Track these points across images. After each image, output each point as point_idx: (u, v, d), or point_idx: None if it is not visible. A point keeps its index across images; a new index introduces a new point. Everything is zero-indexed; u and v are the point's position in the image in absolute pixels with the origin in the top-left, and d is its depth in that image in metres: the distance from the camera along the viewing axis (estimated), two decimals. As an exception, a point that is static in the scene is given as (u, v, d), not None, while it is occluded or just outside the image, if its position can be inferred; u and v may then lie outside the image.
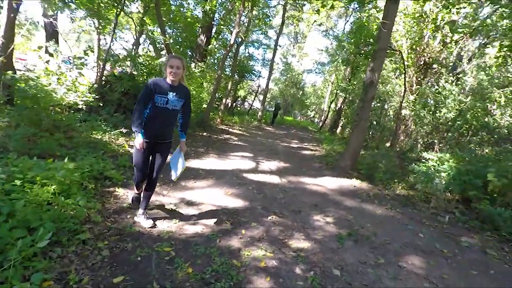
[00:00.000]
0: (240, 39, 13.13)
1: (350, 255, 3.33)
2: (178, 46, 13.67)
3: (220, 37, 17.44)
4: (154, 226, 3.13)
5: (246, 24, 13.82)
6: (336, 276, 2.84)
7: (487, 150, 10.75)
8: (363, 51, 12.44)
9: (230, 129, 12.32)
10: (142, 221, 3.13)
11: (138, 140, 2.80)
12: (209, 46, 13.54)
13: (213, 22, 14.95)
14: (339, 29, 26.99)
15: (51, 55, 5.41)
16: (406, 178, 6.84)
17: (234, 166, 6.33)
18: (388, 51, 12.37)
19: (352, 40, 13.26)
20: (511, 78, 12.23)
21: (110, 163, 4.49)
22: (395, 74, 16.21)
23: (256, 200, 4.54)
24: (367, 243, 3.72)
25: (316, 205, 4.80)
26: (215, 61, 15.85)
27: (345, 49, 18.78)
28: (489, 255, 4.00)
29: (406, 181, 6.67)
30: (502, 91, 11.62)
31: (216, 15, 15.87)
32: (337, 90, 22.18)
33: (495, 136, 11.08)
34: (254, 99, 25.92)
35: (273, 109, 23.96)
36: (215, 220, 3.57)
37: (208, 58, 15.37)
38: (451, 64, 14.31)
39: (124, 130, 5.93)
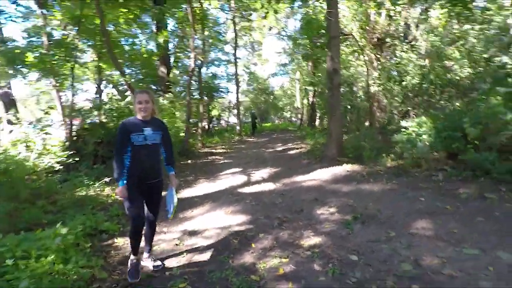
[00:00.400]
0: (199, 62, 13.21)
1: (361, 237, 3.34)
2: (140, 83, 13.59)
3: (179, 64, 17.54)
4: (163, 266, 3.03)
5: (201, 45, 13.94)
6: (354, 262, 2.84)
7: (457, 104, 11.21)
8: (318, 43, 12.79)
9: (213, 150, 12.26)
10: (149, 264, 3.03)
11: (119, 189, 2.68)
12: (171, 76, 13.55)
13: (169, 52, 15.03)
14: (291, 28, 27.73)
15: (13, 123, 5.23)
16: (392, 150, 7.00)
17: (227, 184, 6.28)
18: (341, 37, 12.84)
19: (305, 36, 13.63)
20: (457, 33, 12.91)
21: (102, 216, 4.34)
22: (354, 57, 16.76)
23: (257, 211, 4.50)
24: (373, 221, 3.75)
25: (316, 199, 4.82)
26: (181, 88, 15.85)
27: (301, 46, 19.35)
28: (489, 199, 4.13)
29: (393, 153, 6.82)
30: (454, 47, 12.23)
31: (171, 45, 16.01)
32: (305, 86, 22.65)
33: (461, 88, 11.60)
34: (229, 115, 25.98)
35: (250, 120, 24.14)
36: (222, 242, 3.51)
37: (173, 87, 15.37)
38: (402, 34, 14.93)
39: (107, 179, 5.78)
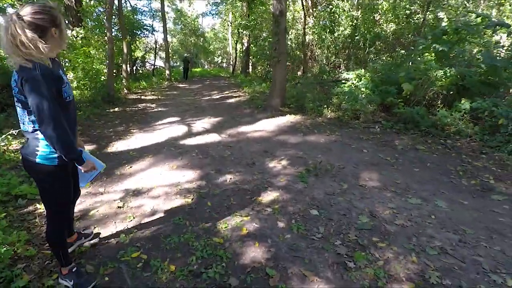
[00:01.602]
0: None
1: (318, 190, 3.38)
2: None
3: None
4: (97, 234, 2.59)
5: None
6: (315, 216, 2.86)
7: (383, 58, 11.99)
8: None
9: (142, 97, 11.06)
10: (80, 241, 2.48)
11: (87, 163, 1.80)
12: (83, 5, 11.19)
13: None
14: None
15: None
16: (331, 101, 7.22)
17: (166, 135, 5.72)
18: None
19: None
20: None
21: (14, 177, 3.52)
22: (290, 1, 16.23)
23: (206, 165, 4.20)
24: (326, 174, 3.83)
25: (266, 151, 4.72)
26: (96, 23, 13.35)
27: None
28: (420, 150, 4.59)
29: (332, 104, 7.04)
30: (383, 0, 12.66)
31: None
32: (238, 29, 21.48)
33: (388, 43, 12.36)
34: (155, 57, 23.52)
35: (181, 64, 22.34)
36: (173, 202, 3.18)
37: (86, 20, 12.86)
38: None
39: (14, 131, 4.66)
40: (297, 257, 2.31)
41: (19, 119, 1.73)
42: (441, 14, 8.32)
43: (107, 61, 9.46)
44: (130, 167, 4.21)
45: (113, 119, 7.08)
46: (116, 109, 8.19)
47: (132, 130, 6.17)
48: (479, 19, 6.02)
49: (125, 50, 11.16)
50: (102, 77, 9.74)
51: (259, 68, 19.47)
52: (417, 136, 5.16)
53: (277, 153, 4.61)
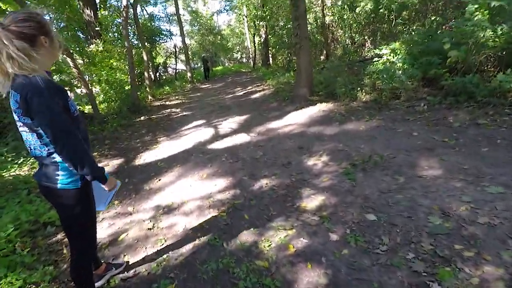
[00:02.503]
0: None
1: (370, 188, 2.87)
2: (65, 33, 11.13)
3: (108, 4, 14.69)
4: (127, 263, 2.30)
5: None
6: (374, 222, 2.37)
7: (414, 28, 10.90)
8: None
9: (167, 102, 10.94)
10: (109, 274, 2.20)
11: (112, 181, 1.60)
12: (99, 18, 11.23)
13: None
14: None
15: None
16: (363, 83, 6.53)
17: (193, 141, 5.43)
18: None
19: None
20: None
21: (43, 203, 3.35)
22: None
23: (237, 170, 3.82)
24: (375, 167, 3.30)
25: (301, 147, 4.25)
26: (115, 34, 13.44)
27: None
28: (482, 125, 3.88)
29: (366, 86, 6.36)
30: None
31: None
32: (254, 21, 20.86)
33: (415, 11, 11.22)
34: (176, 61, 23.59)
35: (202, 65, 22.26)
36: (207, 217, 2.82)
37: (105, 33, 12.99)
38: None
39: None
40: (362, 280, 1.86)
41: (27, 145, 1.47)
42: None
43: (129, 71, 9.38)
44: (159, 180, 3.93)
45: (139, 129, 6.94)
46: (142, 117, 8.07)
47: (159, 139, 5.95)
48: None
49: (145, 58, 11.07)
50: (126, 87, 9.71)
51: (279, 58, 18.78)
52: (474, 109, 4.40)
53: (314, 148, 4.12)
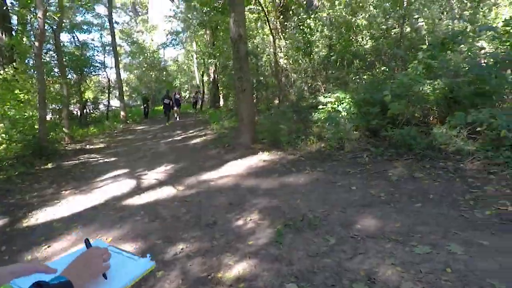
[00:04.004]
0: (54, 22, 10.92)
1: (297, 253, 2.90)
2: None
3: (29, 28, 14.41)
4: None
5: (54, 2, 11.56)
6: (294, 293, 2.36)
7: (365, 77, 12.18)
8: (217, 4, 12.07)
9: (88, 146, 10.47)
10: None
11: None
12: (11, 41, 10.87)
13: (8, 9, 12.07)
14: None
15: None
16: (311, 130, 6.96)
17: (107, 195, 5.15)
18: (244, -1, 12.41)
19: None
20: (360, 4, 14.00)
21: None
22: (258, 25, 16.67)
23: (152, 232, 3.66)
24: (307, 226, 3.38)
25: (232, 203, 4.25)
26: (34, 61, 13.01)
27: (196, 10, 18.24)
28: (418, 179, 4.28)
29: (313, 134, 6.77)
30: (358, 18, 13.19)
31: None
32: (204, 59, 21.73)
33: (366, 61, 12.66)
34: (109, 97, 23.16)
35: (142, 103, 22.30)
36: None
37: (20, 59, 12.52)
38: (305, 2, 15.42)
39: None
40: None
41: None
42: (421, 22, 8.53)
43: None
44: (48, 246, 3.59)
45: (42, 179, 6.45)
46: (49, 164, 7.56)
47: (63, 192, 5.56)
48: (462, 27, 6.13)
49: (64, 92, 10.71)
50: (35, 125, 9.15)
51: (230, 100, 19.45)
52: (413, 161, 4.87)
53: (246, 205, 4.15)
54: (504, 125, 4.45)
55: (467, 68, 5.83)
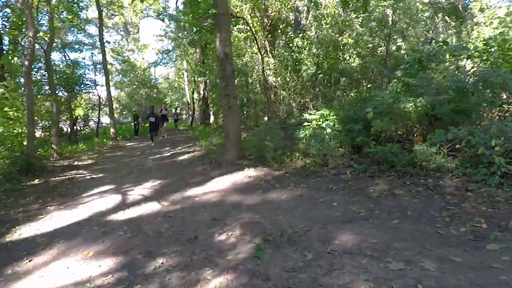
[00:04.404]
0: (44, 42, 11.04)
1: (274, 267, 2.94)
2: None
3: (20, 48, 14.51)
4: None
5: (47, 21, 11.70)
6: (269, 308, 2.39)
7: (352, 94, 12.46)
8: (205, 25, 12.34)
9: (77, 162, 10.40)
10: None
11: None
12: (4, 60, 10.94)
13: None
14: (174, 6, 26.53)
15: None
16: (297, 147, 7.05)
17: (91, 210, 5.13)
18: (232, 19, 12.72)
19: (190, 15, 12.96)
20: (347, 23, 14.45)
21: None
22: (247, 44, 17.01)
23: (134, 247, 3.66)
24: (287, 242, 3.42)
25: (215, 219, 4.27)
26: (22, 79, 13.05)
27: (186, 29, 18.57)
28: (398, 196, 4.37)
29: (298, 150, 6.86)
30: (345, 36, 13.59)
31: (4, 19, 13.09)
32: (194, 76, 21.97)
33: (353, 78, 12.98)
34: (99, 114, 23.12)
35: (132, 121, 22.39)
36: (74, 311, 2.58)
37: (11, 77, 12.55)
38: (293, 21, 15.83)
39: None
40: None
41: None
42: (400, 43, 8.85)
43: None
44: (30, 260, 3.57)
45: (28, 195, 6.40)
46: (36, 181, 7.50)
47: (48, 208, 5.52)
48: (439, 46, 6.37)
49: (54, 110, 10.72)
50: (24, 142, 9.11)
51: (219, 117, 19.58)
52: (394, 178, 4.98)
53: (228, 221, 4.18)
54: (481, 143, 4.60)
55: (446, 85, 6.05)
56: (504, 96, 6.33)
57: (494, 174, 4.28)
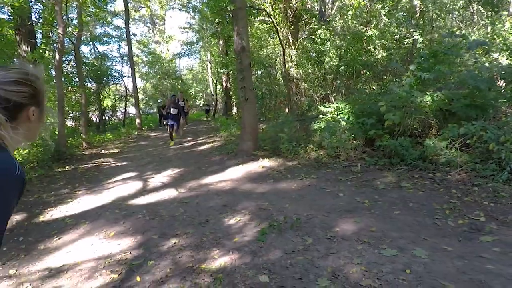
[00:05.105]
0: (75, 38, 11.67)
1: (275, 250, 3.20)
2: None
3: (51, 42, 15.36)
4: None
5: (76, 15, 12.34)
6: (265, 284, 2.65)
7: (374, 87, 12.37)
8: (227, 15, 12.54)
9: (104, 151, 11.03)
10: None
11: None
12: (34, 54, 11.66)
13: (32, 24, 12.94)
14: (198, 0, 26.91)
15: None
16: (312, 139, 7.23)
17: (115, 195, 5.57)
18: (254, 11, 12.88)
19: (212, 7, 13.21)
20: (372, 13, 14.25)
21: None
22: (270, 36, 17.10)
23: (151, 228, 4.02)
24: (290, 227, 3.67)
25: (226, 205, 4.58)
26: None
27: (209, 22, 18.90)
28: (404, 188, 4.49)
29: (313, 142, 7.04)
30: (370, 28, 13.43)
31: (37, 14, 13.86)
32: (217, 68, 22.35)
33: (376, 71, 12.84)
34: (126, 105, 24.03)
35: (157, 111, 23.17)
36: (96, 280, 2.95)
37: (44, 71, 13.32)
38: (317, 12, 15.73)
39: None
40: None
41: None
42: (416, 36, 8.74)
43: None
44: (59, 238, 4.01)
45: (59, 180, 6.96)
46: (67, 167, 8.09)
47: (77, 192, 6.02)
48: (459, 40, 6.32)
49: (83, 101, 11.38)
50: (56, 132, 9.78)
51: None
52: (403, 171, 5.08)
53: (238, 207, 4.47)
54: (493, 138, 4.62)
55: (463, 80, 6.01)
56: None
57: (503, 170, 4.31)
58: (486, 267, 2.64)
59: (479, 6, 17.19)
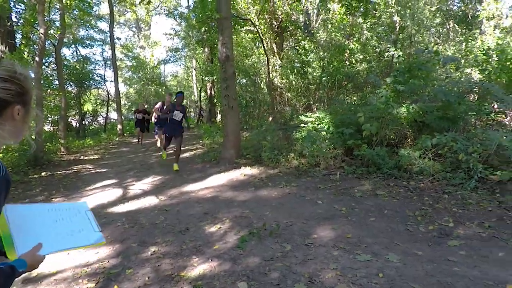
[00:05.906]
0: (57, 40, 11.51)
1: (254, 257, 3.25)
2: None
3: (32, 43, 15.06)
4: None
5: (58, 19, 12.19)
6: (243, 291, 2.70)
7: (355, 98, 12.68)
8: (213, 24, 12.66)
9: (83, 157, 10.85)
10: None
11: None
12: (12, 55, 11.43)
13: (12, 25, 12.70)
14: (185, 5, 27.02)
15: None
16: (293, 147, 7.35)
17: (93, 203, 5.50)
18: (240, 21, 13.05)
19: (198, 16, 13.33)
20: (354, 29, 14.67)
21: None
22: (255, 45, 17.31)
23: (130, 236, 4.01)
24: (270, 235, 3.73)
25: (207, 213, 4.61)
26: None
27: (195, 29, 18.98)
28: (379, 196, 4.65)
29: (294, 151, 7.15)
30: (352, 41, 13.82)
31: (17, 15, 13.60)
32: (202, 75, 22.38)
33: (356, 82, 13.19)
34: (108, 110, 23.70)
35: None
36: (72, 289, 2.93)
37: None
38: (302, 23, 16.07)
39: None
40: None
41: None
42: (393, 52, 9.10)
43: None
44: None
45: (35, 187, 6.81)
46: (43, 173, 7.93)
47: (54, 199, 5.91)
48: (431, 56, 6.63)
49: (62, 104, 11.19)
50: (32, 136, 9.57)
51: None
52: (380, 180, 5.26)
53: (219, 215, 4.51)
54: (462, 149, 4.86)
55: (434, 94, 6.30)
56: (496, 106, 6.55)
57: (471, 179, 4.53)
58: (453, 269, 2.78)
59: (455, 24, 17.98)
